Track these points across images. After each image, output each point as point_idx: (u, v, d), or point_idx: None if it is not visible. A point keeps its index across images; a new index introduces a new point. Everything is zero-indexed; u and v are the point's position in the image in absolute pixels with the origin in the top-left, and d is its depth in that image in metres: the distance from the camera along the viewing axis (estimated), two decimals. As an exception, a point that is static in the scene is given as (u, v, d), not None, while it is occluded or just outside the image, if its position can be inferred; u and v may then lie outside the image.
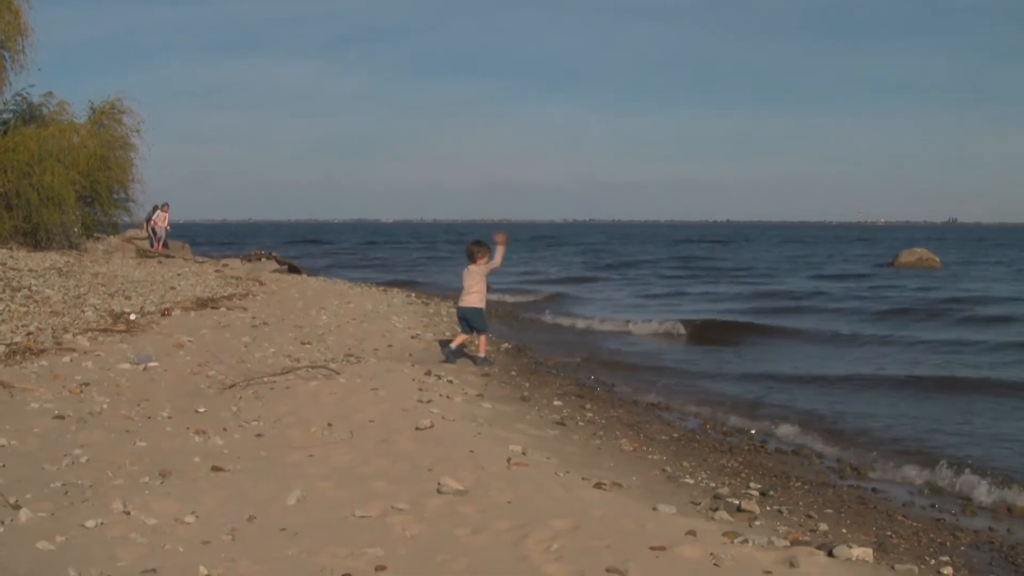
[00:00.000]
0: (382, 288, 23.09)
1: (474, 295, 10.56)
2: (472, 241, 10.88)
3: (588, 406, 8.98)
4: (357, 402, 7.53)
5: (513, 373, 10.65)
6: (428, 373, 9.38)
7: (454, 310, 17.71)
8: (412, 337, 12.81)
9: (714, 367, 12.85)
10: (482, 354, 10.68)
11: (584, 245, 69.81)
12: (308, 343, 11.26)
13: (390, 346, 11.71)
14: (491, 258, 10.58)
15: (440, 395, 8.18)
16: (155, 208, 26.59)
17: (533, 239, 78.63)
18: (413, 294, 21.65)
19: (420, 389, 8.33)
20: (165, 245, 25.74)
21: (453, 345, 10.76)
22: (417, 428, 6.65)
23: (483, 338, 10.74)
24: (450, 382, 9.07)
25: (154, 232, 26.46)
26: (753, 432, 8.68)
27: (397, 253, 55.16)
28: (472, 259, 10.61)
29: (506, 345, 13.35)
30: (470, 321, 10.65)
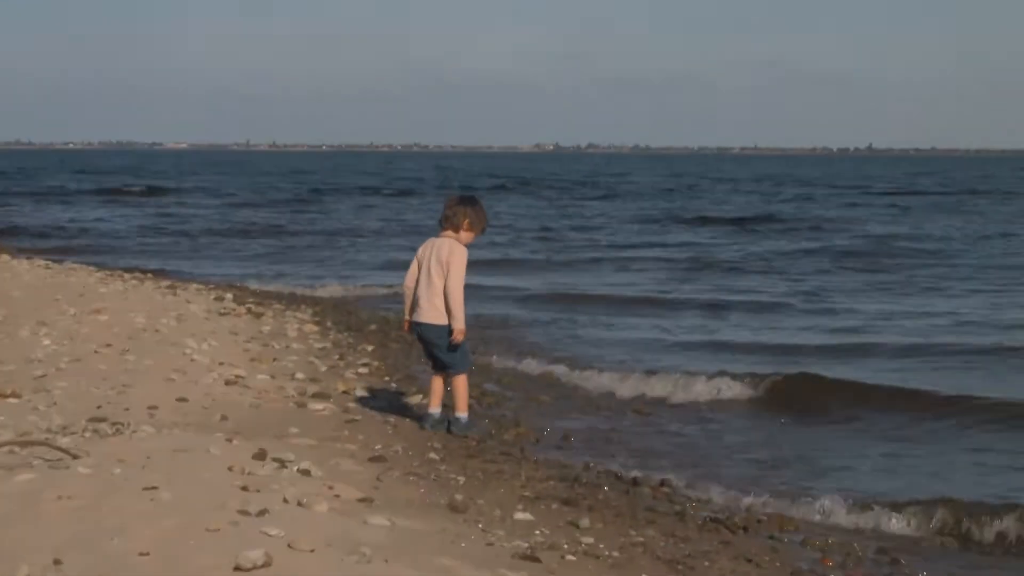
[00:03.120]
0: (167, 283, 22.80)
1: (438, 300, 11.51)
2: (458, 196, 12.01)
3: (585, 521, 8.98)
4: (115, 514, 7.42)
5: (433, 456, 10.65)
6: (262, 455, 9.37)
7: (309, 326, 17.90)
8: (229, 382, 12.93)
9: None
10: (462, 413, 11.80)
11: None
12: (11, 396, 11.28)
13: (184, 400, 11.78)
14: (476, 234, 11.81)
15: (286, 499, 8.12)
16: None
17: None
18: (230, 295, 21.41)
19: (245, 488, 8.29)
20: None
21: (433, 407, 11.88)
22: (238, 568, 6.52)
23: (460, 382, 11.77)
24: (306, 473, 9.04)
25: None
26: None
27: (196, 211, 55.31)
28: (451, 225, 11.63)
29: (420, 397, 13.24)
30: (434, 350, 11.75)
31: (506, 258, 34.52)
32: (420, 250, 11.72)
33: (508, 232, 44.25)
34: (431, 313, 11.47)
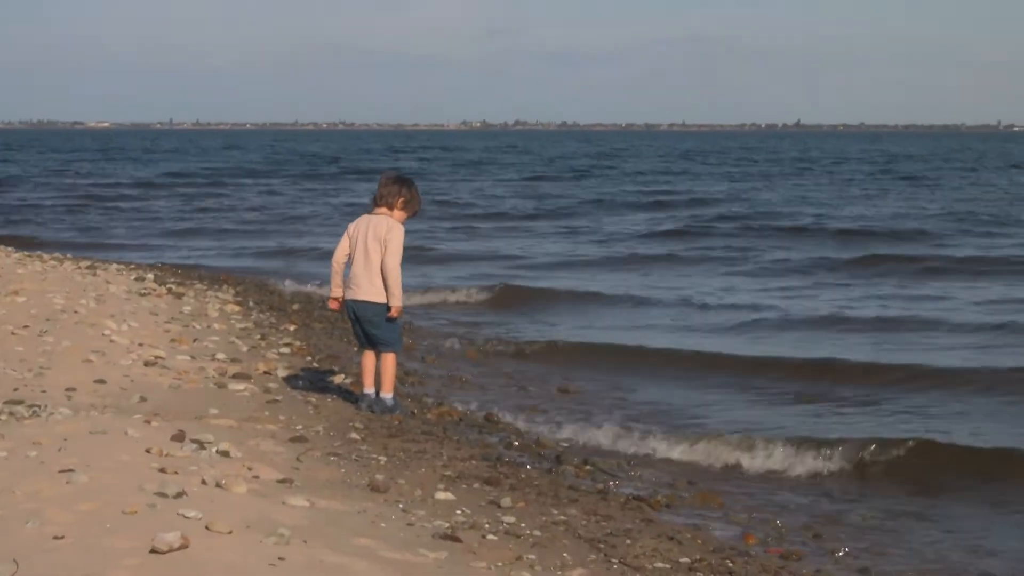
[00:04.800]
0: (87, 264, 22.62)
1: (376, 278, 11.57)
2: (395, 175, 12.06)
3: (507, 501, 9.01)
4: (31, 497, 7.37)
5: (354, 436, 10.63)
6: (180, 437, 9.30)
7: (231, 306, 17.85)
8: (148, 363, 12.85)
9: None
10: (387, 394, 11.82)
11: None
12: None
13: (102, 382, 11.69)
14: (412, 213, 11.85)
15: (204, 481, 8.09)
16: None
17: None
18: (151, 275, 21.28)
19: (163, 470, 8.25)
20: None
21: (368, 388, 11.88)
22: (154, 551, 6.49)
23: (390, 361, 11.78)
24: (225, 454, 9.01)
25: None
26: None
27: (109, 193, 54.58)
28: (386, 203, 11.68)
29: (342, 377, 13.28)
30: (369, 328, 11.69)
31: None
32: (351, 227, 11.70)
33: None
34: (370, 291, 11.48)
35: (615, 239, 35.61)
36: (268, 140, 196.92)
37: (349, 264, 11.63)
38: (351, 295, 11.56)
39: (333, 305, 11.90)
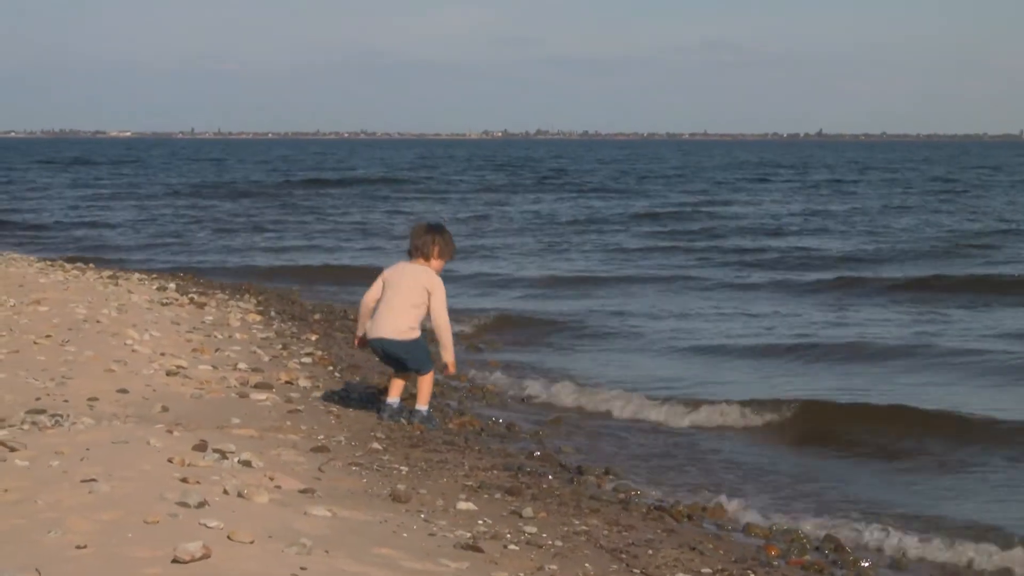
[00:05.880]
0: (109, 273, 22.67)
1: (405, 316, 11.72)
2: (425, 224, 12.15)
3: (529, 511, 8.99)
4: (52, 507, 7.37)
5: (376, 446, 10.62)
6: (202, 447, 9.29)
7: (252, 315, 17.88)
8: (170, 372, 12.84)
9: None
10: (423, 406, 11.98)
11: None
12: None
13: (124, 391, 11.69)
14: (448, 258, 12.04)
15: (226, 490, 8.09)
16: None
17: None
18: (173, 284, 21.30)
19: (185, 480, 8.24)
20: None
21: (391, 397, 12.03)
22: (176, 560, 6.48)
23: (429, 379, 12.04)
24: (247, 464, 9.00)
25: None
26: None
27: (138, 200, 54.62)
28: (422, 254, 11.85)
29: (364, 387, 13.31)
30: (402, 361, 11.95)
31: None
32: (387, 272, 11.85)
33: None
34: (393, 329, 11.62)
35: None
36: (324, 149, 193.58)
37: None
38: (374, 333, 11.67)
39: (357, 344, 12.21)
